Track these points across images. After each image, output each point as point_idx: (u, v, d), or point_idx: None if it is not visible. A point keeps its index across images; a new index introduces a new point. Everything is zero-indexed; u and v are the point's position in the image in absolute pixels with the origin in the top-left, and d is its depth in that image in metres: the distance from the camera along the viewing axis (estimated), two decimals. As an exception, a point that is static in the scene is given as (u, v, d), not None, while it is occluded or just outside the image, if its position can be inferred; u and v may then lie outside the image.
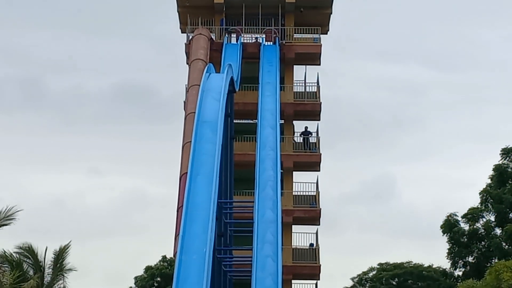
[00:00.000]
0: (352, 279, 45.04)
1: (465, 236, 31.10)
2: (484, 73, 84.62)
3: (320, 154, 29.36)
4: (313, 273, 29.43)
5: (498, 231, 31.80)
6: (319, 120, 30.77)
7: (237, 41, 29.14)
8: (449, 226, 31.21)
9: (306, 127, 30.61)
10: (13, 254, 24.81)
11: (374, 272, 43.94)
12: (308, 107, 30.42)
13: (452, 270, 33.61)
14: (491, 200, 31.22)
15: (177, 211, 17.05)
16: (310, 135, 30.39)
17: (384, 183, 75.75)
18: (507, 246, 30.68)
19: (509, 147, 32.27)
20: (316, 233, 29.11)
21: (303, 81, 31.92)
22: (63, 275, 25.27)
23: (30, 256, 25.13)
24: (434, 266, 41.61)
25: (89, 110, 77.09)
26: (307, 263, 29.09)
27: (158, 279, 41.82)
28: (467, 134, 78.62)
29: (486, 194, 31.79)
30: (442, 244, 31.89)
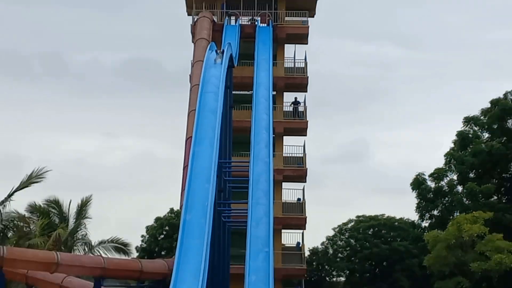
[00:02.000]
0: (334, 229, 45.14)
1: (431, 193, 31.54)
2: (448, 51, 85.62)
3: (307, 121, 29.58)
4: (300, 224, 29.86)
5: (459, 188, 32.29)
6: (306, 92, 30.60)
7: (235, 23, 28.31)
8: (418, 183, 31.64)
9: (295, 98, 30.65)
10: (42, 205, 25.43)
11: (352, 223, 43.90)
12: (297, 80, 30.02)
13: (419, 222, 34.16)
14: (454, 162, 31.43)
15: (183, 169, 17.27)
16: (298, 104, 30.44)
17: (360, 146, 76.14)
18: (467, 202, 31.18)
19: (470, 116, 32.33)
20: (303, 189, 29.65)
21: (293, 58, 31.13)
22: (85, 224, 25.79)
23: (56, 207, 25.69)
24: (404, 219, 41.96)
25: (104, 81, 76.69)
26: (294, 215, 29.23)
27: (166, 228, 42.03)
28: (434, 104, 79.69)
29: (450, 156, 32.09)
30: (411, 199, 32.52)
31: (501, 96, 32.79)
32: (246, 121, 22.34)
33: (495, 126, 31.86)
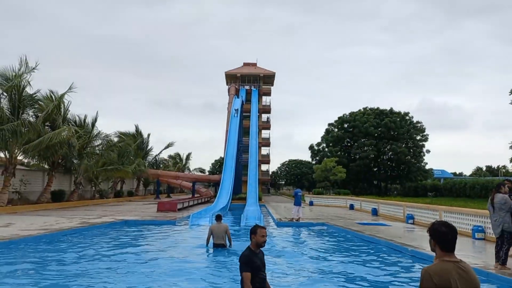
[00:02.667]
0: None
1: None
2: None
3: (270, 124, 63.32)
4: (267, 161, 63.25)
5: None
6: (270, 113, 64.33)
7: (244, 87, 61.54)
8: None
9: (267, 117, 64.98)
10: (173, 155, 62.30)
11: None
12: (266, 108, 63.90)
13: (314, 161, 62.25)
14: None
15: (225, 143, 49.67)
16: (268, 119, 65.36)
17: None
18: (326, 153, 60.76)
19: None
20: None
21: (265, 101, 64.84)
22: (189, 162, 63.44)
23: (178, 156, 62.47)
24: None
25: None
26: (265, 159, 64.01)
27: (218, 164, 75.95)
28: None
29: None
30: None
31: None
32: (247, 126, 55.11)
33: None
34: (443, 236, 2.94)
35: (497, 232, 9.06)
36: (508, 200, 8.95)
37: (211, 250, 11.36)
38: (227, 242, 11.64)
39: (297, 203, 20.47)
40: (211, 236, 11.53)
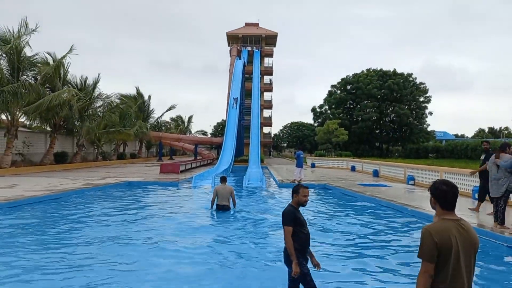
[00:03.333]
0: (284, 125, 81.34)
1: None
2: None
3: (272, 87, 62.68)
4: (269, 123, 63.28)
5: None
6: (272, 75, 63.70)
7: (245, 49, 60.04)
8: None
9: (270, 79, 64.41)
10: (175, 117, 62.05)
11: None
12: (268, 70, 63.03)
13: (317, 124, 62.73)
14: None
15: (227, 106, 49.49)
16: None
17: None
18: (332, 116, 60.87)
19: None
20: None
21: (267, 63, 63.90)
22: (191, 124, 63.28)
23: (180, 119, 62.19)
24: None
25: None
26: (267, 122, 63.66)
27: (221, 126, 75.47)
28: None
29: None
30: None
31: None
32: (249, 88, 54.44)
33: None
34: (443, 194, 2.95)
35: (500, 191, 9.12)
36: None
37: (215, 211, 11.48)
38: (231, 204, 11.75)
39: (299, 164, 20.57)
40: (216, 197, 11.63)
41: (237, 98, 38.58)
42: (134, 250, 7.33)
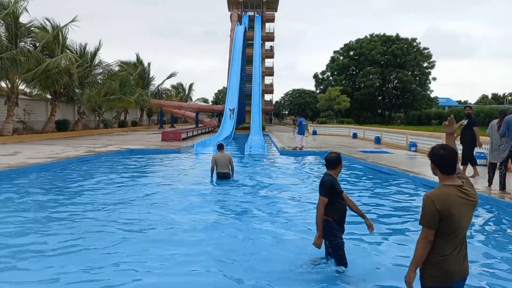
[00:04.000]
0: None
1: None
2: None
3: (274, 52, 61.29)
4: (271, 91, 62.63)
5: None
6: (273, 41, 62.60)
7: (246, 14, 59.31)
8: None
9: (271, 46, 63.10)
10: (176, 85, 61.31)
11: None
12: (269, 36, 61.92)
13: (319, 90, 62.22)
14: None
15: (228, 72, 48.54)
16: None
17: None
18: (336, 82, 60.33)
19: None
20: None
21: (268, 28, 62.67)
22: (192, 92, 62.75)
23: (181, 86, 61.71)
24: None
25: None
26: (269, 89, 63.03)
27: (222, 94, 75.40)
28: None
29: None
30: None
31: None
32: (250, 54, 53.71)
33: None
34: (442, 159, 2.94)
35: (502, 157, 9.17)
36: None
37: (215, 179, 11.52)
38: (230, 172, 11.73)
39: (301, 132, 20.58)
40: (215, 165, 11.60)
41: (234, 108, 37.28)
42: (137, 218, 7.41)
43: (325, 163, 4.84)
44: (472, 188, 3.00)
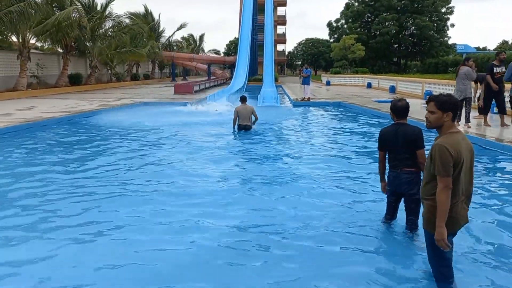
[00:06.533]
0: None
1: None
2: None
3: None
4: (283, 40, 61.76)
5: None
6: (285, 25, 60.51)
7: None
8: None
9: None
10: (186, 36, 60.28)
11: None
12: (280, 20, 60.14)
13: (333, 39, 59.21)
14: None
15: (239, 21, 47.16)
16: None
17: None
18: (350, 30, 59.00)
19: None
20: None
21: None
22: (203, 44, 61.50)
23: (192, 37, 60.34)
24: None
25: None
26: (281, 39, 61.36)
27: (233, 45, 70.14)
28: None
29: None
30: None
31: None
32: (261, 3, 52.38)
33: None
34: (455, 107, 3.02)
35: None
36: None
37: (237, 131, 11.56)
38: (252, 123, 11.73)
39: (306, 82, 20.55)
40: (237, 117, 11.64)
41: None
42: (158, 171, 7.53)
43: (396, 112, 4.37)
44: (466, 137, 3.10)
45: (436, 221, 2.93)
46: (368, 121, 13.95)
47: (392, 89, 25.67)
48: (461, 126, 10.93)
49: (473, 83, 12.07)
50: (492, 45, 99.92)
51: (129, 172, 7.30)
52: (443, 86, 19.37)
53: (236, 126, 11.65)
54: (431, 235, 3.03)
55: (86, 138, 10.74)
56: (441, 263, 3.15)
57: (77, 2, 28.35)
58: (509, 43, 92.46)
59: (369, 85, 32.03)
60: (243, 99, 11.75)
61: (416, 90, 22.47)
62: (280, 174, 7.14)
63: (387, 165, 4.42)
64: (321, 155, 8.73)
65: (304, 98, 20.49)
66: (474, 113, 12.87)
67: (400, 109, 4.32)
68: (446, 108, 3.00)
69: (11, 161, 8.11)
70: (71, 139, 10.59)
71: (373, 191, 6.04)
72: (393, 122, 4.43)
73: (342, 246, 4.24)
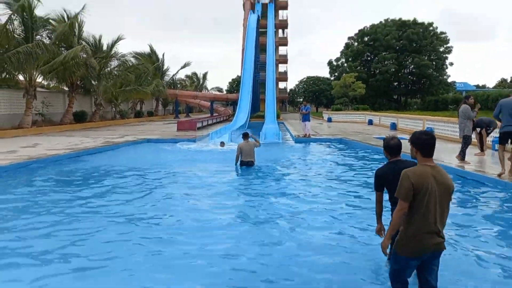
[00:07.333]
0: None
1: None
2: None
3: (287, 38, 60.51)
4: (285, 78, 62.54)
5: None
6: (287, 28, 61.87)
7: (259, 2, 58.93)
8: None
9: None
10: (190, 74, 61.56)
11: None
12: (282, 23, 61.38)
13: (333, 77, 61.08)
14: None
15: (242, 59, 48.34)
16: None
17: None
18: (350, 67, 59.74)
19: None
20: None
21: (281, 16, 62.33)
22: (206, 81, 62.60)
23: (196, 75, 61.39)
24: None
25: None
26: (283, 77, 62.28)
27: (236, 82, 74.15)
28: None
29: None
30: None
31: None
32: (263, 43, 53.36)
33: None
34: (424, 143, 3.26)
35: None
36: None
37: (239, 167, 11.61)
38: (254, 160, 11.84)
39: (305, 119, 20.77)
40: (240, 154, 11.72)
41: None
42: (160, 207, 7.51)
43: (390, 150, 4.30)
44: (445, 173, 3.29)
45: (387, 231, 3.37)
46: (370, 158, 13.94)
47: (393, 126, 25.81)
48: (457, 162, 11.32)
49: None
50: (491, 83, 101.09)
51: (131, 207, 7.27)
52: (444, 123, 19.49)
53: (238, 163, 11.69)
54: (394, 251, 3.35)
55: (89, 175, 10.74)
56: (393, 279, 3.44)
57: (83, 42, 29.08)
58: (508, 81, 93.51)
59: (370, 122, 32.24)
60: (245, 136, 11.88)
61: (417, 127, 22.58)
62: (283, 211, 7.12)
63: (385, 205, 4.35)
64: (323, 192, 8.67)
65: (306, 134, 20.60)
66: (476, 150, 13.09)
67: (393, 147, 4.32)
68: (412, 142, 3.33)
69: (14, 198, 8.09)
70: (74, 176, 10.59)
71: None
72: (388, 160, 4.38)
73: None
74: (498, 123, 9.90)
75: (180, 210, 7.18)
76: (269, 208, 7.34)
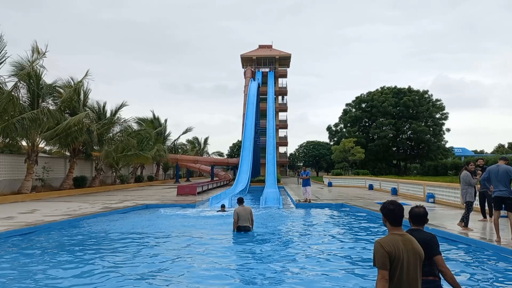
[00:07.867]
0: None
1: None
2: None
3: (287, 105, 62.46)
4: (285, 143, 63.38)
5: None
6: (286, 95, 63.63)
7: (260, 70, 61.25)
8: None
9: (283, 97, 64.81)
10: (191, 139, 62.32)
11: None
12: (282, 91, 63.26)
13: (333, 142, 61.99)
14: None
15: (242, 126, 49.24)
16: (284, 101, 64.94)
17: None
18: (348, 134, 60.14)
19: None
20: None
21: (281, 83, 64.35)
22: (207, 146, 63.27)
23: (197, 140, 62.03)
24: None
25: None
26: (283, 141, 63.70)
27: (236, 147, 75.58)
28: None
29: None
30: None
31: None
32: (264, 109, 54.90)
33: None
34: (391, 213, 3.38)
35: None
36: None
37: (237, 233, 11.43)
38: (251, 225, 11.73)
39: (305, 184, 20.69)
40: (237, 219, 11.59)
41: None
42: (157, 272, 7.27)
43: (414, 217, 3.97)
44: (415, 241, 3.35)
45: None
46: (372, 223, 13.71)
47: (394, 191, 25.66)
48: (459, 229, 10.95)
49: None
50: (489, 149, 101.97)
51: (128, 274, 7.02)
52: (444, 189, 19.38)
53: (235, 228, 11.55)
54: None
55: (85, 242, 10.50)
56: None
57: (87, 109, 29.72)
58: (505, 146, 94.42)
59: (370, 187, 32.11)
60: (240, 201, 11.92)
61: (418, 193, 22.44)
62: (281, 277, 6.91)
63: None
64: (324, 260, 8.41)
65: (306, 199, 20.45)
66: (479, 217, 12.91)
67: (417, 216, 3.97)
68: (381, 211, 3.46)
69: (6, 266, 7.85)
70: (70, 243, 10.36)
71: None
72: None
73: None
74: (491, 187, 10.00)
75: (169, 278, 6.91)
76: (265, 274, 7.08)
